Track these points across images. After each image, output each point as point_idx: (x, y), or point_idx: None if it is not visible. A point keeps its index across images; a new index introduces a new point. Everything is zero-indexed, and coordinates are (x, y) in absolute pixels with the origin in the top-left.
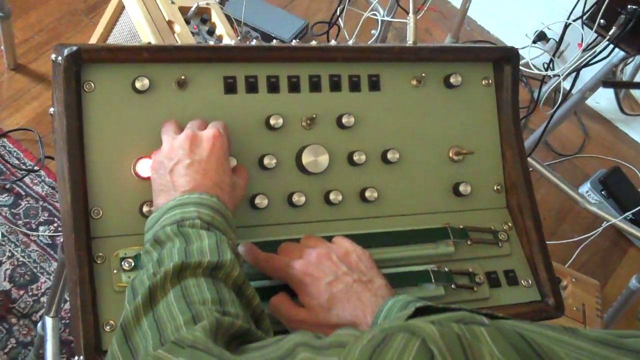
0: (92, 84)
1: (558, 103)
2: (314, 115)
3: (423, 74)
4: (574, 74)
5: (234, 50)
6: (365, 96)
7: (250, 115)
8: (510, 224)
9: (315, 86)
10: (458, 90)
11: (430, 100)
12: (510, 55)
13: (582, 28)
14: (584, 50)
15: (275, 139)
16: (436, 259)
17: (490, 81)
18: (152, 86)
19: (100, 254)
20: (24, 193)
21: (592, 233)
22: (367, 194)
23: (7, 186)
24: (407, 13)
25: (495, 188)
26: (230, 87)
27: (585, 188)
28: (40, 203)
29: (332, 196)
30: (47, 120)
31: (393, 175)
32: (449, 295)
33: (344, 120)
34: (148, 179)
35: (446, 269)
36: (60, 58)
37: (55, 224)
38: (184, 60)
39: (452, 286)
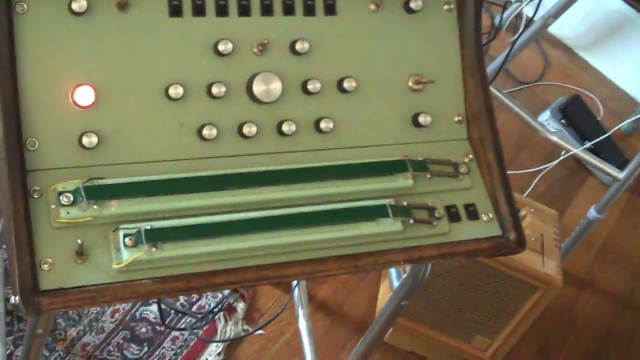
0: (25, 5)
1: (520, 30)
2: (266, 41)
3: None
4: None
5: None
6: (321, 20)
7: (197, 40)
8: (471, 156)
9: (267, 9)
10: (418, 15)
11: (389, 26)
12: None
13: None
14: None
15: (224, 66)
16: (394, 193)
17: (452, 6)
18: (90, 7)
19: (37, 187)
20: None
21: (551, 163)
22: (322, 124)
23: None
24: None
25: (456, 119)
26: (175, 9)
27: (544, 116)
28: None
29: (285, 127)
30: None
31: (350, 105)
32: (407, 231)
33: (298, 46)
34: (87, 107)
35: (404, 203)
36: None
37: None
38: None
39: (411, 221)
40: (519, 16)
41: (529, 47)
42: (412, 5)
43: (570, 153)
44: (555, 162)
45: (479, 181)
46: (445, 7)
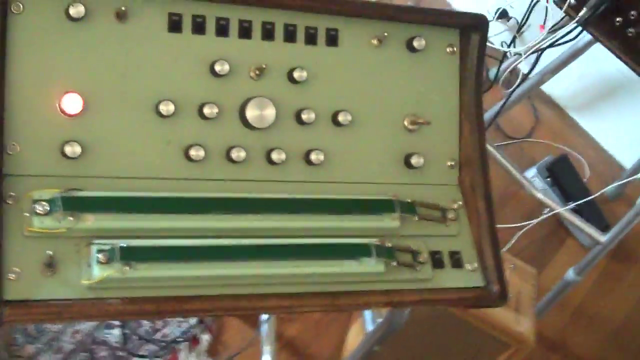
0: (21, 5)
1: (517, 83)
2: (264, 66)
3: (385, 34)
4: (534, 55)
5: None
6: (321, 51)
7: (194, 58)
8: (460, 203)
9: (268, 34)
10: (420, 55)
11: (390, 62)
12: (479, 23)
13: (547, 4)
14: (549, 31)
15: (219, 87)
16: (379, 233)
17: (455, 49)
18: (87, 14)
19: (12, 193)
20: None
21: (534, 220)
22: (313, 156)
23: None
24: None
25: (448, 163)
26: (175, 24)
27: (530, 173)
28: None
29: (274, 155)
30: None
31: (342, 139)
32: (389, 273)
33: (296, 74)
34: (73, 115)
35: (389, 244)
36: None
37: None
38: None
39: (394, 263)
40: (513, 71)
41: (520, 102)
42: (415, 44)
43: (553, 212)
44: (537, 220)
45: (466, 229)
46: (448, 49)
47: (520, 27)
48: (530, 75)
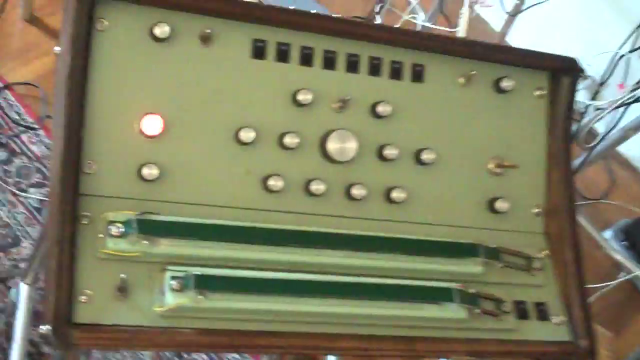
0: (106, 22)
1: (600, 137)
2: (348, 98)
3: (472, 72)
4: (614, 114)
5: (271, 10)
6: (406, 86)
7: (276, 86)
8: (546, 252)
9: (352, 66)
10: (508, 96)
11: (476, 102)
12: (570, 67)
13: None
14: (633, 89)
15: (300, 117)
16: (461, 278)
17: (544, 92)
18: (172, 36)
19: (87, 213)
20: (19, 150)
21: (610, 282)
22: (394, 194)
23: (3, 141)
24: (449, 21)
25: (534, 211)
26: (259, 51)
27: (606, 235)
28: (35, 163)
29: (354, 190)
30: (54, 79)
31: (425, 178)
32: (471, 320)
33: (380, 108)
34: (153, 137)
35: (472, 291)
36: None
37: (47, 188)
38: (212, 12)
39: (477, 310)
40: (590, 131)
41: (596, 162)
42: (503, 84)
43: (632, 275)
44: (615, 282)
45: (552, 280)
46: (537, 92)
47: (605, 80)
48: (611, 133)
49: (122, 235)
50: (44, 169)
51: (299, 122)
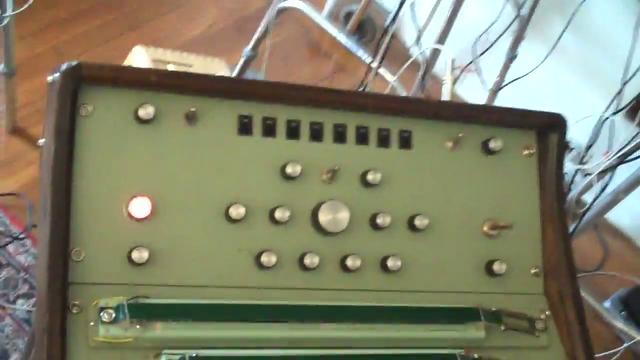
0: (90, 107)
1: (590, 202)
2: (337, 168)
3: (460, 135)
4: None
5: (253, 85)
6: (395, 153)
7: (264, 160)
8: (547, 313)
9: (339, 136)
10: (497, 157)
11: (465, 165)
12: (556, 122)
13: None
14: (618, 152)
15: (290, 190)
16: (464, 344)
17: (532, 151)
18: (157, 116)
19: (77, 302)
20: (5, 262)
21: (610, 351)
22: (390, 262)
23: None
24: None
25: (532, 271)
26: (244, 127)
27: (604, 307)
28: (22, 274)
29: (349, 261)
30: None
31: (420, 245)
32: None
33: (370, 177)
34: (142, 220)
35: (475, 356)
36: (56, 76)
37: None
38: (195, 91)
39: None
40: (579, 202)
41: (586, 234)
42: (491, 145)
43: (634, 341)
44: (620, 348)
45: (556, 340)
46: (526, 151)
47: (588, 147)
48: (602, 196)
49: (113, 321)
50: (31, 280)
51: (289, 196)
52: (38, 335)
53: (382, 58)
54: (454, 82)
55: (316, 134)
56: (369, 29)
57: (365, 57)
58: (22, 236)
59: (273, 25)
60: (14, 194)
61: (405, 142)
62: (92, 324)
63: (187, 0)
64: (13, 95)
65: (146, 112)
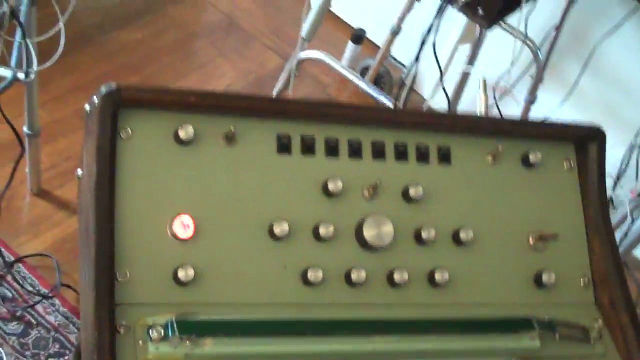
0: (130, 130)
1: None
2: (378, 182)
3: (499, 149)
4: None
5: (291, 104)
6: (434, 169)
7: (305, 178)
8: (600, 322)
9: (378, 153)
10: (537, 170)
11: (506, 179)
12: (595, 134)
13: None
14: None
15: (332, 207)
16: (519, 354)
17: (572, 164)
18: (196, 137)
19: (124, 322)
20: (35, 322)
21: None
22: (437, 276)
23: (18, 313)
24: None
25: (581, 281)
26: (283, 146)
27: None
28: (52, 334)
29: (396, 276)
30: (66, 248)
31: (466, 258)
32: None
33: (411, 191)
34: (185, 240)
35: None
36: (96, 101)
37: (67, 357)
38: (235, 111)
39: None
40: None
41: None
42: (531, 159)
43: None
44: None
45: (612, 348)
46: (565, 163)
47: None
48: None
49: (162, 339)
50: (61, 338)
51: (332, 212)
52: (85, 356)
53: (405, 104)
54: (486, 99)
55: (355, 152)
56: (386, 82)
57: (387, 102)
58: (50, 295)
59: (295, 75)
60: (41, 254)
61: (445, 157)
62: (140, 342)
63: (205, 62)
64: (37, 157)
65: (186, 133)
